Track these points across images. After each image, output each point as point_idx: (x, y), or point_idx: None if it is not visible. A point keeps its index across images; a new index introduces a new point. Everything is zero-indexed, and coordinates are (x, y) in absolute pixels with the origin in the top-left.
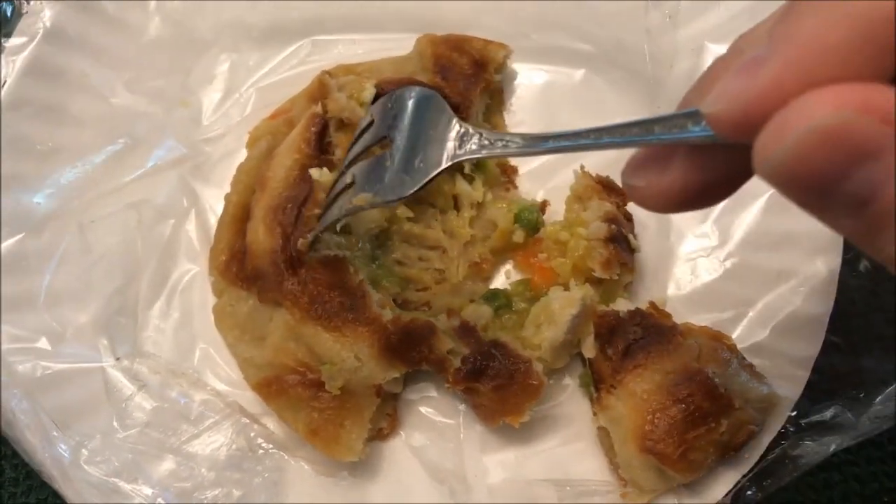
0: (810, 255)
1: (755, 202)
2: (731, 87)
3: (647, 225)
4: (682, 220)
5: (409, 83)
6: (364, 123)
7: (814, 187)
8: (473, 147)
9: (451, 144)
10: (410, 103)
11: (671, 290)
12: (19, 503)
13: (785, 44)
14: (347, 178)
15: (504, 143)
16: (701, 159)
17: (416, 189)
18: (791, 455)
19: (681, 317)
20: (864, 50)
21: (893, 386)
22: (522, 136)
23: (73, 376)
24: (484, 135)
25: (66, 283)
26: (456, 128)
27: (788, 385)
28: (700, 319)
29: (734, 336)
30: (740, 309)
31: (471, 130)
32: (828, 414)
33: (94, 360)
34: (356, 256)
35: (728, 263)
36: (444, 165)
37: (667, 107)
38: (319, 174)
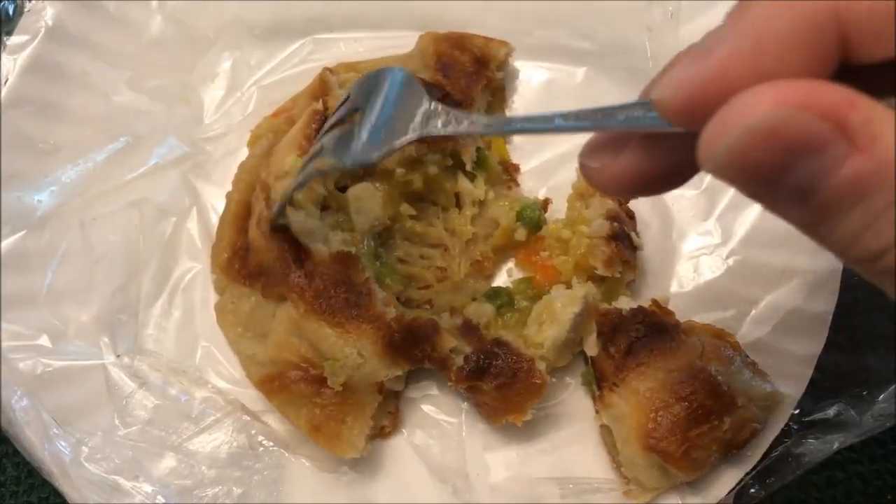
0: (813, 253)
1: (756, 203)
2: (678, 73)
3: (649, 223)
4: (684, 217)
5: None
6: (342, 98)
7: (758, 181)
8: (439, 124)
9: (418, 120)
10: (387, 82)
11: (674, 288)
12: (21, 502)
13: (733, 33)
14: (317, 147)
15: (470, 121)
16: (653, 147)
17: (377, 157)
18: (794, 453)
19: (683, 315)
20: (808, 44)
21: (893, 386)
22: (489, 116)
23: (74, 374)
24: (451, 113)
25: (68, 281)
26: (425, 105)
27: (791, 383)
28: (703, 317)
29: (737, 334)
30: (743, 307)
31: (439, 109)
32: (831, 412)
33: (95, 358)
34: (362, 255)
35: (731, 261)
36: (408, 137)
37: None
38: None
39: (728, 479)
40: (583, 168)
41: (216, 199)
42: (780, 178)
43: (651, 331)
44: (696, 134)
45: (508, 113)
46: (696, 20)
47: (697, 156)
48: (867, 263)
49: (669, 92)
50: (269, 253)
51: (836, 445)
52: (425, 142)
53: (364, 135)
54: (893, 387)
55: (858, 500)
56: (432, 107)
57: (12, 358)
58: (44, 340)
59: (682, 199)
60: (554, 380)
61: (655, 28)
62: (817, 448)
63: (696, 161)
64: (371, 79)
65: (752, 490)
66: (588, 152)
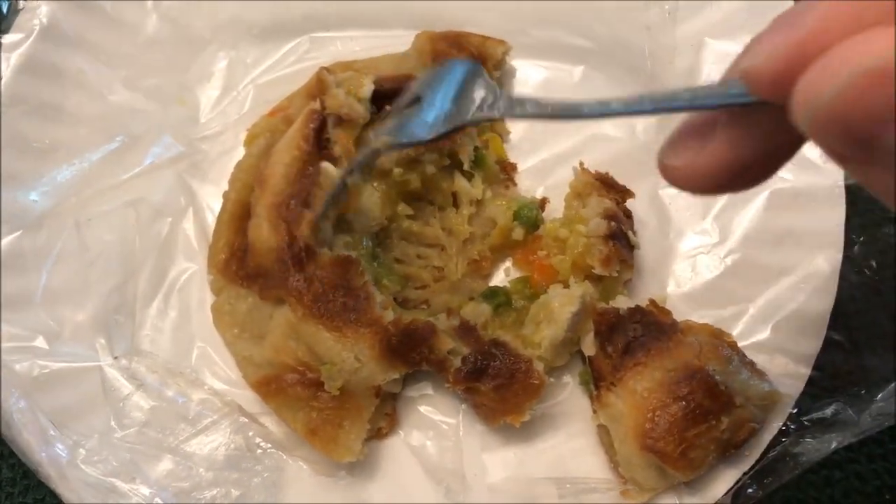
0: (811, 251)
1: (756, 198)
2: (769, 40)
3: (646, 222)
4: (682, 216)
5: (407, 79)
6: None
7: (858, 134)
8: (501, 107)
9: (478, 103)
10: (451, 72)
11: (671, 288)
12: (16, 503)
13: None
14: (379, 130)
15: (535, 104)
16: (741, 132)
17: (432, 135)
18: (792, 452)
19: (681, 314)
20: None
21: (895, 383)
22: (553, 102)
23: (70, 375)
24: (514, 98)
25: (63, 282)
26: (485, 91)
27: (790, 382)
28: (700, 317)
29: (735, 333)
30: (741, 306)
31: (500, 93)
32: (829, 411)
33: (91, 360)
34: (361, 255)
35: (728, 260)
36: (466, 119)
37: None
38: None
39: (725, 479)
40: (665, 170)
41: (213, 199)
42: (884, 131)
43: (648, 330)
44: (785, 108)
45: None
46: (693, 19)
47: (791, 108)
48: None
49: (762, 59)
50: (268, 255)
51: (833, 445)
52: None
53: (425, 117)
54: (892, 386)
55: (856, 500)
56: (497, 92)
57: (8, 359)
58: (40, 342)
59: (679, 197)
60: (552, 379)
61: (653, 27)
62: (815, 447)
63: (790, 117)
64: (436, 70)
65: (750, 490)
66: (668, 151)
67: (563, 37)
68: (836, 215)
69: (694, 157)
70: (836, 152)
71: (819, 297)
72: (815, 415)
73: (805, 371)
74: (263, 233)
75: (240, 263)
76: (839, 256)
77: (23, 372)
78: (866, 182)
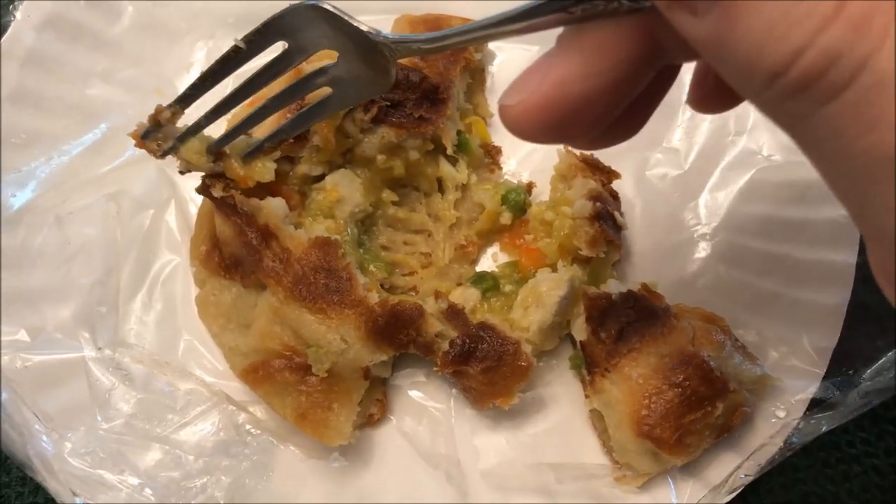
0: (798, 236)
1: (741, 179)
2: None
3: (633, 203)
4: (670, 198)
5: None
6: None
7: None
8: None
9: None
10: (310, 19)
11: (660, 270)
12: (27, 503)
13: None
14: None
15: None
16: (581, 54)
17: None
18: (783, 435)
19: (671, 297)
20: None
21: (880, 361)
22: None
23: (54, 368)
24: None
25: (45, 276)
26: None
27: (779, 365)
28: (690, 299)
29: (724, 315)
30: (729, 288)
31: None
32: (817, 393)
33: (75, 351)
34: (344, 241)
35: (716, 242)
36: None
37: None
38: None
39: (719, 463)
40: (500, 112)
41: (194, 191)
42: None
43: (642, 315)
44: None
45: (489, 95)
46: None
47: None
48: (778, 82)
49: None
50: (233, 241)
51: (823, 427)
52: (404, 127)
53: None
54: (877, 364)
55: (874, 494)
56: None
57: None
58: (22, 335)
59: (666, 179)
60: (540, 363)
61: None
62: (806, 430)
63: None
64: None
65: (744, 475)
66: (506, 93)
67: None
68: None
69: (529, 94)
70: None
71: (807, 282)
72: (800, 396)
73: (786, 350)
74: (219, 221)
75: (222, 255)
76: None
77: (6, 365)
78: (683, 31)
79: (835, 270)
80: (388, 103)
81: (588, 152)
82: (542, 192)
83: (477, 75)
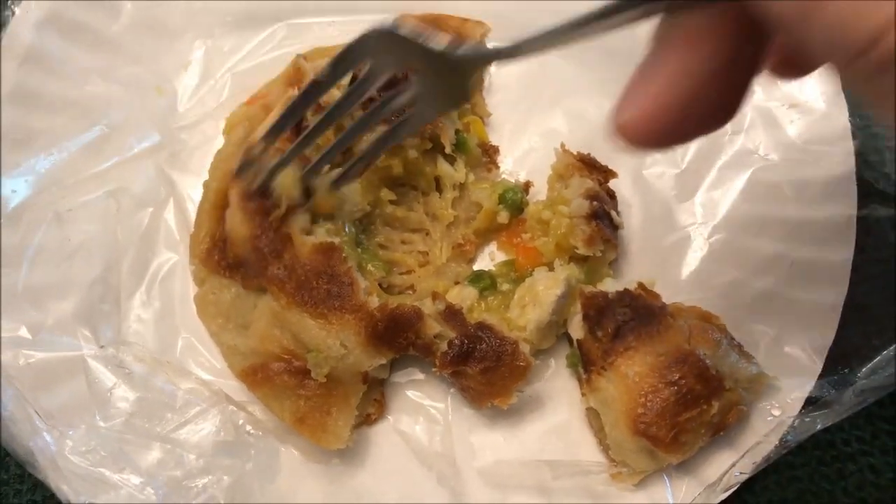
0: (793, 234)
1: (738, 178)
2: None
3: (630, 202)
4: (666, 197)
5: None
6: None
7: None
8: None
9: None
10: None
11: (657, 269)
12: (25, 500)
13: None
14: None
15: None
16: (683, 54)
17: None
18: (778, 433)
19: (667, 296)
20: None
21: (875, 359)
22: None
23: (55, 366)
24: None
25: (45, 272)
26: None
27: (775, 364)
28: (686, 298)
29: (720, 314)
30: (726, 288)
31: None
32: (813, 391)
33: (76, 349)
34: (344, 242)
35: (713, 241)
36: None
37: None
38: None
39: (715, 461)
40: (619, 132)
41: (193, 189)
42: None
43: (638, 314)
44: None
45: (486, 94)
46: None
47: None
48: (863, 59)
49: None
50: (244, 245)
51: (819, 425)
52: None
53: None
54: (872, 363)
55: (870, 492)
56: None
57: None
58: (23, 332)
59: (664, 178)
60: (537, 362)
61: None
62: (801, 428)
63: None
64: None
65: (738, 473)
66: (618, 112)
67: (541, 18)
68: (846, 207)
69: (641, 105)
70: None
71: (803, 281)
72: (796, 394)
73: (784, 351)
74: (237, 222)
75: (222, 253)
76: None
77: (7, 362)
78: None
79: (832, 270)
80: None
81: (585, 151)
82: (540, 192)
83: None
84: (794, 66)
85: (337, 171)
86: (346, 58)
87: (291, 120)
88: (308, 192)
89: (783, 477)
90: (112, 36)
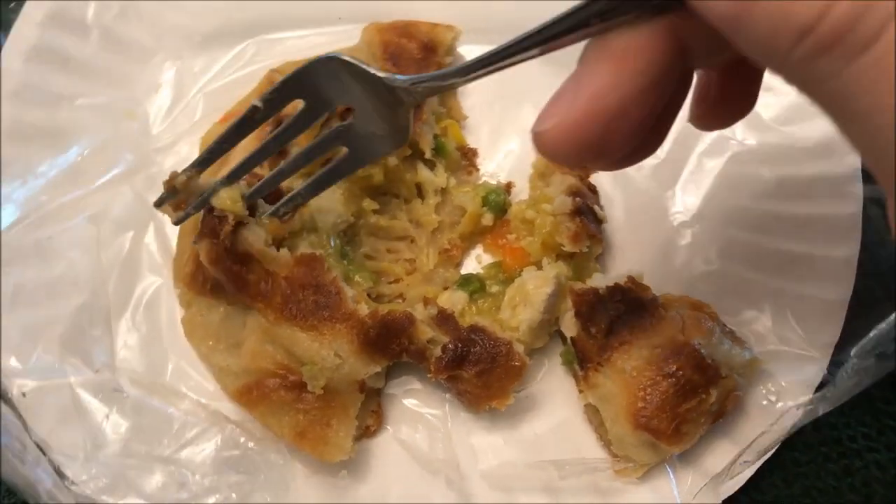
0: (775, 225)
1: (717, 167)
2: None
3: (612, 196)
4: (648, 188)
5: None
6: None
7: None
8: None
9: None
10: (328, 73)
11: (643, 260)
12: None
13: None
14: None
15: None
16: (612, 63)
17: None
18: (780, 421)
19: (656, 287)
20: None
21: (865, 339)
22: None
23: (47, 394)
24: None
25: (30, 300)
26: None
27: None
28: (675, 288)
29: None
30: (712, 276)
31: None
32: (806, 374)
33: (68, 376)
34: (328, 254)
35: (696, 230)
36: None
37: None
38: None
39: (717, 452)
40: (535, 140)
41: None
42: None
43: (630, 308)
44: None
45: (462, 97)
46: None
47: None
48: (805, 41)
49: None
50: (211, 266)
51: (820, 410)
52: None
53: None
54: (863, 341)
55: (876, 489)
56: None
57: None
58: (13, 362)
59: (643, 169)
60: (531, 361)
61: None
62: (802, 413)
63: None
64: (304, 78)
65: (743, 462)
66: (539, 119)
67: (513, 22)
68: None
69: (564, 115)
70: None
71: (784, 268)
72: (790, 377)
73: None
74: (202, 245)
75: (206, 275)
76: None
77: (3, 392)
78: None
79: (831, 264)
80: None
81: None
82: (522, 191)
83: None
84: (719, 111)
85: (274, 207)
86: (289, 86)
87: (221, 150)
88: (252, 211)
89: (789, 474)
90: (80, 61)
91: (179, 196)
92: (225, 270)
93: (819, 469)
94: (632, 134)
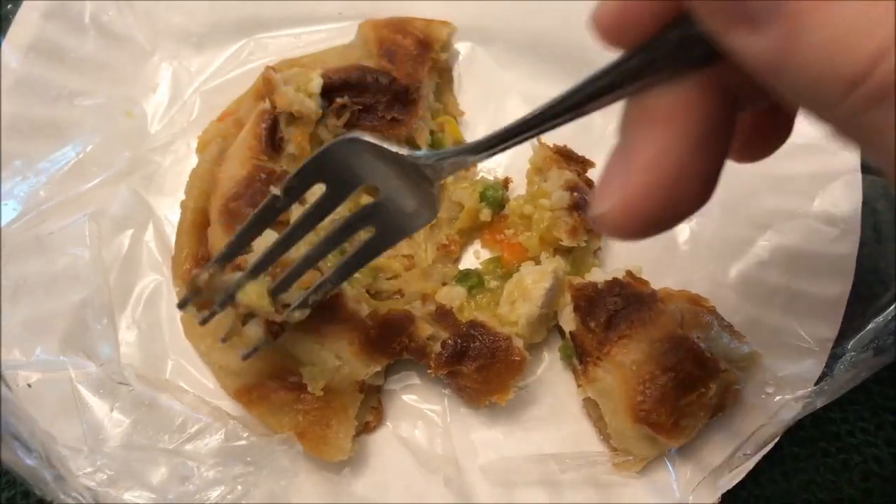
0: (771, 219)
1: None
2: None
3: None
4: None
5: (355, 70)
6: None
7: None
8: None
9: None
10: (350, 153)
11: (642, 255)
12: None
13: None
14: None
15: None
16: (659, 131)
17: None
18: (778, 415)
19: (654, 281)
20: None
21: (862, 332)
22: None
23: (52, 388)
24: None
25: (32, 296)
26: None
27: (765, 345)
28: (673, 282)
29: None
30: (710, 270)
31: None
32: (805, 367)
33: (72, 369)
34: None
35: (694, 224)
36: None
37: None
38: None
39: (716, 446)
40: (595, 223)
41: (170, 210)
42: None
43: (629, 302)
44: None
45: (457, 93)
46: None
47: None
48: (856, 92)
49: None
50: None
51: (818, 403)
52: (378, 130)
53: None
54: (860, 335)
55: (875, 484)
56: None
57: None
58: (17, 354)
59: None
60: (530, 356)
61: None
62: (800, 406)
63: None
64: (326, 159)
65: (742, 454)
66: (595, 202)
67: (507, 19)
68: (853, 197)
69: (621, 192)
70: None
71: (781, 263)
72: (788, 370)
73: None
74: (218, 239)
75: None
76: (855, 238)
77: (8, 383)
78: (740, 55)
79: (831, 260)
80: (360, 107)
81: (561, 143)
82: (519, 187)
83: (444, 75)
84: (755, 144)
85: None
86: (309, 171)
87: (243, 243)
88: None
89: (788, 468)
90: (78, 60)
91: (203, 296)
92: None
93: (818, 464)
94: (704, 186)
